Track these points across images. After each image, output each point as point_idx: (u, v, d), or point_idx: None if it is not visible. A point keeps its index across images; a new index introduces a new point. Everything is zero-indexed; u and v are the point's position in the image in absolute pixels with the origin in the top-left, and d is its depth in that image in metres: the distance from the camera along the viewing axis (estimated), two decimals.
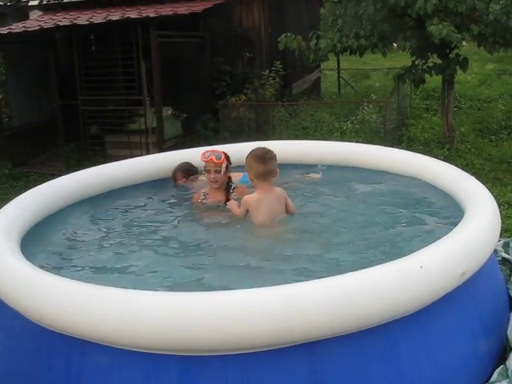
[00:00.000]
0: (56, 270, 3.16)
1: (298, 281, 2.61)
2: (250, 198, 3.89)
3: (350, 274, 2.61)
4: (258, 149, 3.92)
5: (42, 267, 3.04)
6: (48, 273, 2.88)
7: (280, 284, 2.52)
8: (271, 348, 2.42)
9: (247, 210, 3.90)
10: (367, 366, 2.53)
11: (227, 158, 4.25)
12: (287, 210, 3.96)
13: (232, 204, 4.07)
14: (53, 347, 2.72)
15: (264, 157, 3.81)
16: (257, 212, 3.84)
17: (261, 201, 3.83)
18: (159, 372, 2.47)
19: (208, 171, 4.20)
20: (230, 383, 2.42)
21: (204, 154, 4.23)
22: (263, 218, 3.83)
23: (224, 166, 4.18)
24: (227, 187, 4.32)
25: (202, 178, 4.50)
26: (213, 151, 4.25)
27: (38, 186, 4.25)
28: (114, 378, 2.54)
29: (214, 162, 4.15)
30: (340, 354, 2.50)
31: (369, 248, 3.48)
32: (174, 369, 2.45)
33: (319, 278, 2.58)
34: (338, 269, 3.11)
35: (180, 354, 2.43)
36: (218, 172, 4.18)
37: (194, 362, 2.44)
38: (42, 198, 4.11)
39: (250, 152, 3.89)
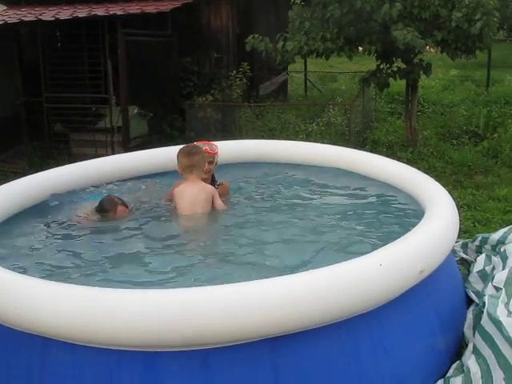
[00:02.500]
0: (15, 269, 3.13)
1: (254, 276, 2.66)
2: (176, 187, 4.18)
3: (310, 271, 2.65)
4: (187, 145, 4.31)
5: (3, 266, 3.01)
6: (6, 270, 2.85)
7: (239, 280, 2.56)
8: (233, 344, 2.45)
9: (173, 199, 4.17)
10: (327, 362, 2.58)
11: None
12: (214, 207, 4.14)
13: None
14: (13, 345, 2.70)
15: (190, 151, 4.12)
16: (179, 200, 4.10)
17: (184, 190, 4.10)
18: (121, 369, 2.48)
19: None
20: (193, 379, 2.45)
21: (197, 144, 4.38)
22: (184, 206, 4.07)
23: (217, 157, 4.39)
24: (212, 182, 4.43)
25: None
26: (205, 143, 4.45)
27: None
28: (76, 375, 2.54)
29: (209, 153, 4.30)
30: (301, 350, 2.54)
31: (327, 247, 3.53)
32: (137, 365, 2.46)
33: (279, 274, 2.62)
34: (294, 267, 3.15)
35: (142, 349, 2.44)
36: (211, 163, 4.35)
37: (156, 358, 2.45)
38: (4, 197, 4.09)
39: (180, 148, 4.20)
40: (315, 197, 4.61)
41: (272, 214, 4.17)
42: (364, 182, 4.77)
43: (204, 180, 4.27)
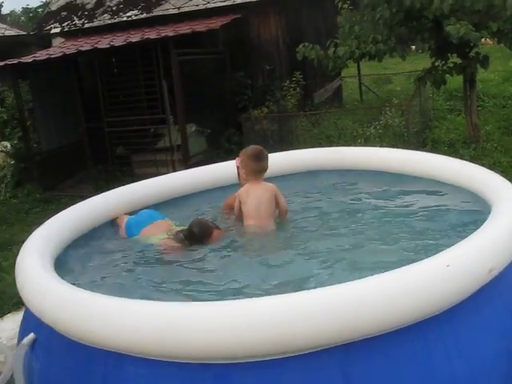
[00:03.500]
0: (88, 286, 3.22)
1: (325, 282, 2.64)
2: (242, 189, 4.08)
3: (378, 275, 2.62)
4: (253, 147, 4.20)
5: (75, 284, 3.11)
6: (81, 289, 2.95)
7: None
8: (303, 352, 2.44)
9: (240, 202, 4.05)
10: (399, 367, 2.53)
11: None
12: (279, 206, 4.10)
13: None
14: (89, 361, 2.78)
15: (259, 155, 4.04)
16: (246, 202, 4.00)
17: (250, 191, 4.01)
18: (195, 382, 2.51)
19: None
20: None
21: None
22: (251, 207, 3.98)
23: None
24: None
25: None
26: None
27: (70, 208, 4.37)
28: None
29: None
30: (371, 356, 2.50)
31: (392, 248, 3.49)
32: (209, 378, 2.49)
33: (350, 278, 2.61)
34: (357, 270, 3.16)
35: (214, 361, 2.47)
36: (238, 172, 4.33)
37: (228, 369, 2.47)
38: (74, 218, 4.22)
39: (245, 150, 4.12)
40: (376, 200, 4.56)
41: (337, 219, 4.16)
42: (424, 182, 4.68)
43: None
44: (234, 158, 4.51)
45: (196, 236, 3.77)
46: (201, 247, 3.76)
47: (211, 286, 3.31)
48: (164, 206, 4.78)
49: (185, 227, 3.92)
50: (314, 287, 2.64)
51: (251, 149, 4.19)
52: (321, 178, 5.17)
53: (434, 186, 4.56)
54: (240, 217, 4.10)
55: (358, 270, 3.22)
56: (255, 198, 4.02)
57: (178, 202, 4.94)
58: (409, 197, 4.54)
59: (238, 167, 4.29)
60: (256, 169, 4.05)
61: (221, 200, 4.67)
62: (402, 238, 3.69)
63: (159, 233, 3.94)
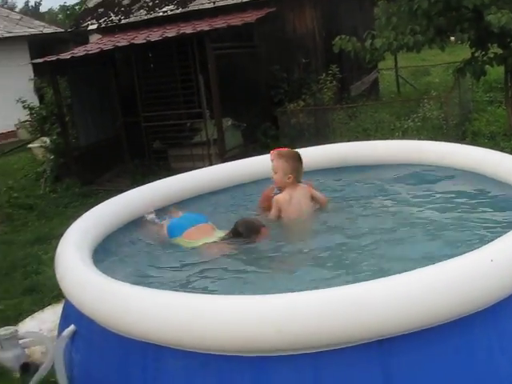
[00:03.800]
0: (127, 279, 3.25)
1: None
2: (281, 198, 4.02)
3: (419, 270, 2.58)
4: (291, 150, 4.18)
5: (114, 277, 3.14)
6: (119, 281, 2.97)
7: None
8: (343, 346, 2.42)
9: (279, 210, 3.99)
10: (440, 363, 2.49)
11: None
12: (318, 201, 4.11)
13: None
14: (129, 353, 2.80)
15: (300, 157, 4.05)
16: (287, 209, 3.96)
17: (291, 198, 3.98)
18: (232, 374, 2.51)
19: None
20: (303, 382, 2.43)
21: (272, 152, 4.28)
22: (294, 213, 3.97)
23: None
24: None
25: None
26: (281, 150, 4.30)
27: (107, 201, 4.41)
28: (189, 382, 2.59)
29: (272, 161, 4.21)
30: (412, 351, 2.46)
31: (433, 242, 3.44)
32: (247, 370, 2.48)
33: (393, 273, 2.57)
34: (402, 261, 3.12)
35: (251, 354, 2.46)
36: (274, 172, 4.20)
37: (266, 362, 2.46)
38: (110, 211, 4.26)
39: (286, 153, 4.09)
40: (416, 193, 4.51)
41: (380, 212, 4.14)
42: (464, 175, 4.60)
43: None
44: (270, 152, 4.47)
45: (243, 236, 3.70)
46: (248, 246, 3.71)
47: (259, 283, 3.30)
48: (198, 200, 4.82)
49: (227, 230, 3.86)
50: (366, 280, 2.61)
51: (292, 152, 4.16)
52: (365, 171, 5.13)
53: (474, 179, 4.48)
54: (278, 220, 4.06)
55: (404, 261, 3.19)
56: (297, 203, 4.02)
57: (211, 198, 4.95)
58: (449, 190, 4.46)
59: (276, 171, 4.13)
60: (301, 171, 4.06)
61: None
62: (444, 230, 3.63)
63: (202, 236, 3.88)
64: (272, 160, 4.16)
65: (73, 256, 3.33)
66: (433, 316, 2.46)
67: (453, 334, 2.52)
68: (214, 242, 3.80)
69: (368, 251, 3.45)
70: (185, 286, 3.31)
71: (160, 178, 5.08)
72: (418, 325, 2.45)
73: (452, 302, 2.48)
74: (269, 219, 4.08)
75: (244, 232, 3.72)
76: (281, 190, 4.15)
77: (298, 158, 4.08)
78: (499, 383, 2.57)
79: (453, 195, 4.33)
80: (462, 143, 5.82)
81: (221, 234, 3.89)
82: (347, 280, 2.95)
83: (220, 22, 10.60)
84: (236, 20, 10.55)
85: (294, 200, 4.01)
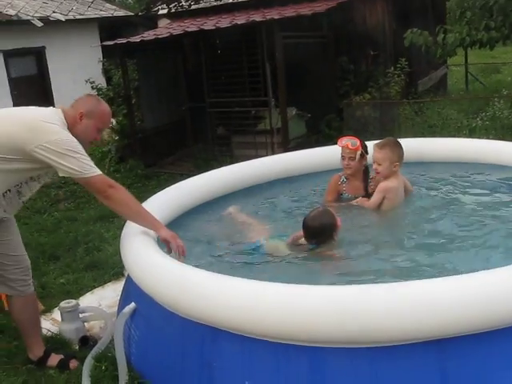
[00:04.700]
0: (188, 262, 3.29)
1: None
2: (390, 185, 4.06)
3: (482, 272, 2.52)
4: (390, 138, 4.24)
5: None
6: (182, 264, 3.02)
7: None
8: (401, 343, 2.39)
9: (384, 198, 4.04)
10: (496, 366, 2.44)
11: (363, 146, 4.34)
12: (407, 191, 4.22)
13: (361, 201, 4.18)
14: (187, 335, 2.85)
15: (400, 143, 4.10)
16: (395, 198, 4.05)
17: (398, 187, 4.08)
18: (289, 363, 2.52)
19: (343, 157, 4.31)
20: (359, 376, 2.42)
21: (341, 140, 4.35)
22: (397, 202, 4.07)
23: (358, 153, 4.28)
24: (365, 177, 4.37)
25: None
26: (349, 138, 4.37)
27: (173, 186, 4.49)
28: (245, 367, 2.62)
29: (349, 149, 4.26)
30: (470, 353, 2.43)
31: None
32: (304, 360, 2.48)
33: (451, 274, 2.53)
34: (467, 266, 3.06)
35: (309, 345, 2.46)
36: (352, 159, 4.27)
37: (324, 353, 2.46)
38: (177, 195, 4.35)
39: (388, 142, 4.11)
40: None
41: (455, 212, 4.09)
42: None
43: (349, 176, 4.30)
44: (335, 143, 4.47)
45: (319, 232, 3.50)
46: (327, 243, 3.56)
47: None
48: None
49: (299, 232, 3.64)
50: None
51: (393, 140, 4.20)
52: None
53: None
54: (375, 209, 4.06)
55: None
56: (401, 191, 4.13)
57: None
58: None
59: (381, 162, 4.07)
60: (403, 155, 4.09)
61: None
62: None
63: None
64: (359, 152, 4.25)
65: (137, 238, 3.39)
66: (493, 319, 2.42)
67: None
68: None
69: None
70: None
71: (222, 164, 5.11)
72: (477, 327, 2.41)
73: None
74: (365, 207, 4.10)
75: (320, 227, 3.49)
76: (371, 179, 4.29)
77: (400, 144, 4.12)
78: None
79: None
80: None
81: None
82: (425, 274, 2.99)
83: (290, 11, 10.52)
84: (306, 9, 10.45)
85: (400, 189, 4.11)
